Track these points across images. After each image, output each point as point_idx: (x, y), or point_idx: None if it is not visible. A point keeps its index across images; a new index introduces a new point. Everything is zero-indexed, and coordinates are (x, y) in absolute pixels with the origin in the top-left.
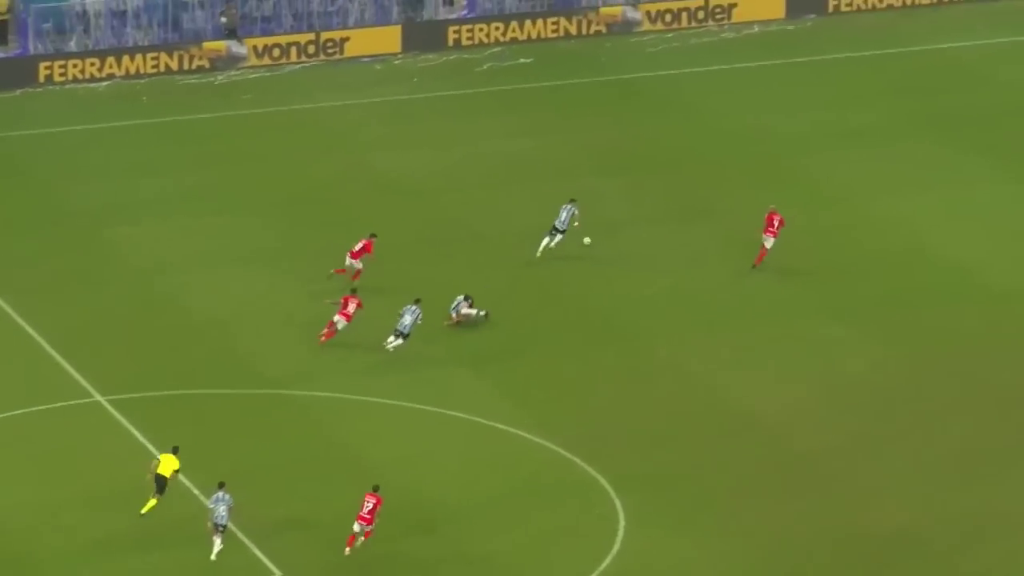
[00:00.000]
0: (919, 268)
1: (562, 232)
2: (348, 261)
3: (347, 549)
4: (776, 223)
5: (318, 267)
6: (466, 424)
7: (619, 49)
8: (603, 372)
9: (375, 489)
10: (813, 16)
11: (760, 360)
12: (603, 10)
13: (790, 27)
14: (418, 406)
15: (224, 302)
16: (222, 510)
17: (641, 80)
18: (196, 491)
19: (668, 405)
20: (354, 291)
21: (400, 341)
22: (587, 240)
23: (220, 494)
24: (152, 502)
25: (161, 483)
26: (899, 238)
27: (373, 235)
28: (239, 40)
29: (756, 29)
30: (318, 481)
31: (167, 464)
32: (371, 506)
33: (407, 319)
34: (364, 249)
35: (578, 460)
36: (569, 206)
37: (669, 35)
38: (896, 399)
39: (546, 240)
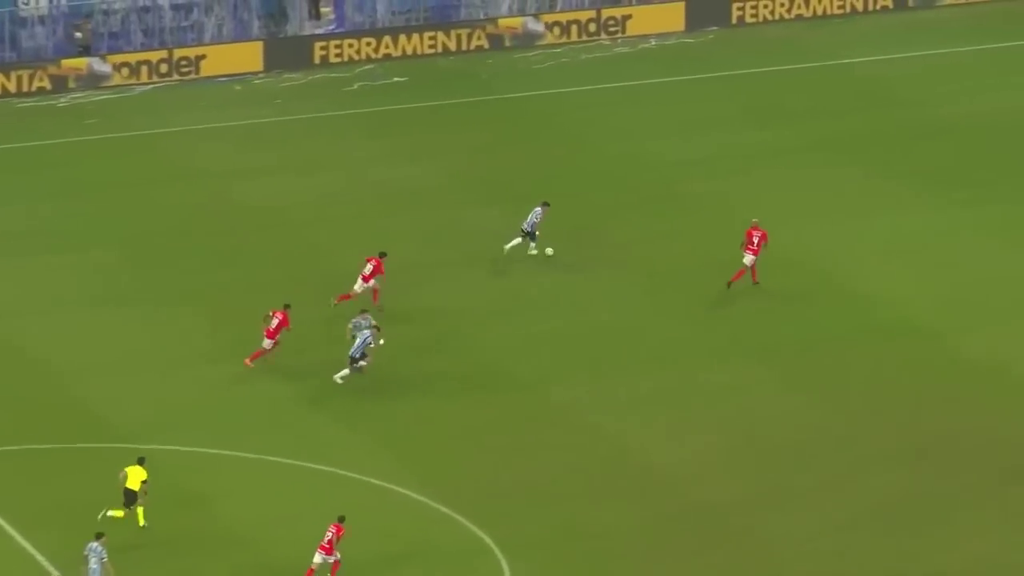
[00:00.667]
0: (830, 304)
1: (527, 235)
2: (360, 285)
3: None
4: (756, 240)
5: (175, 308)
6: (337, 479)
7: (502, 66)
8: (490, 421)
9: (340, 520)
10: (715, 28)
11: (661, 407)
12: (502, 22)
13: (690, 40)
14: (284, 460)
15: (69, 347)
16: (93, 564)
17: (527, 100)
18: (35, 552)
19: (562, 457)
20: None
21: (348, 371)
22: (549, 251)
23: (95, 544)
24: (119, 513)
25: (130, 496)
26: (808, 272)
27: (383, 254)
28: (101, 58)
29: (653, 43)
30: (170, 547)
31: (134, 476)
32: (331, 535)
33: (357, 342)
34: (375, 271)
35: (463, 519)
36: (539, 209)
37: (558, 50)
38: (809, 447)
39: (515, 241)
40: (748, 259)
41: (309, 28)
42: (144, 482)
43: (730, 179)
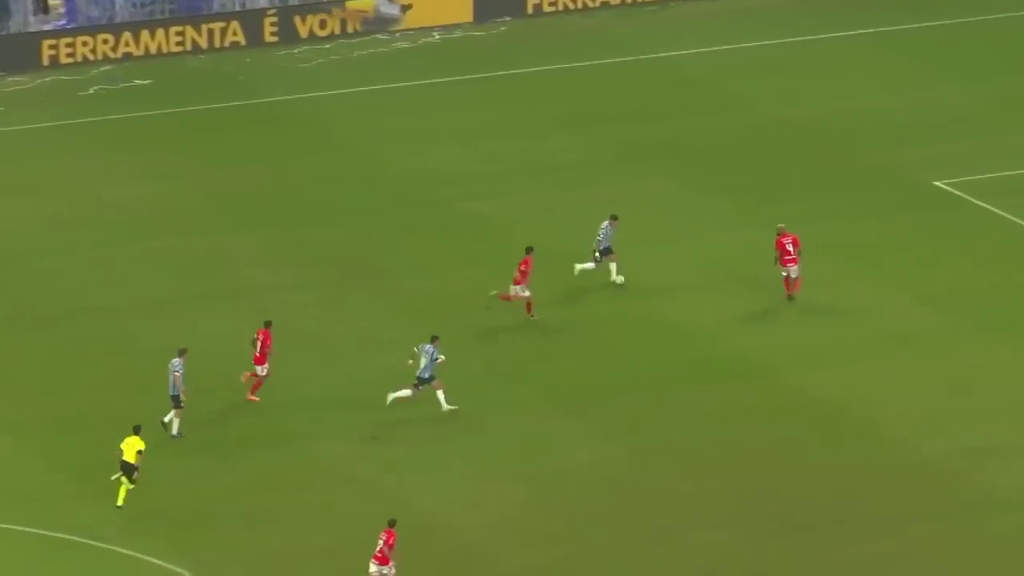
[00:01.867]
0: (642, 338)
1: (600, 254)
2: (514, 291)
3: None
4: (791, 246)
5: None
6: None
7: (263, 65)
8: (257, 482)
9: (391, 524)
10: (508, 19)
11: (449, 459)
12: (350, 4)
13: (479, 33)
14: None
15: None
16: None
17: (291, 104)
18: None
19: (332, 517)
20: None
21: (408, 391)
22: (620, 279)
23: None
24: (123, 490)
25: (128, 468)
26: (613, 302)
27: (529, 249)
28: None
29: (436, 37)
30: None
31: (130, 447)
32: (382, 543)
33: (423, 362)
34: (525, 269)
35: None
36: (607, 224)
37: (327, 46)
38: (627, 503)
39: (587, 265)
40: (794, 271)
41: (36, 24)
42: (140, 452)
43: (522, 195)
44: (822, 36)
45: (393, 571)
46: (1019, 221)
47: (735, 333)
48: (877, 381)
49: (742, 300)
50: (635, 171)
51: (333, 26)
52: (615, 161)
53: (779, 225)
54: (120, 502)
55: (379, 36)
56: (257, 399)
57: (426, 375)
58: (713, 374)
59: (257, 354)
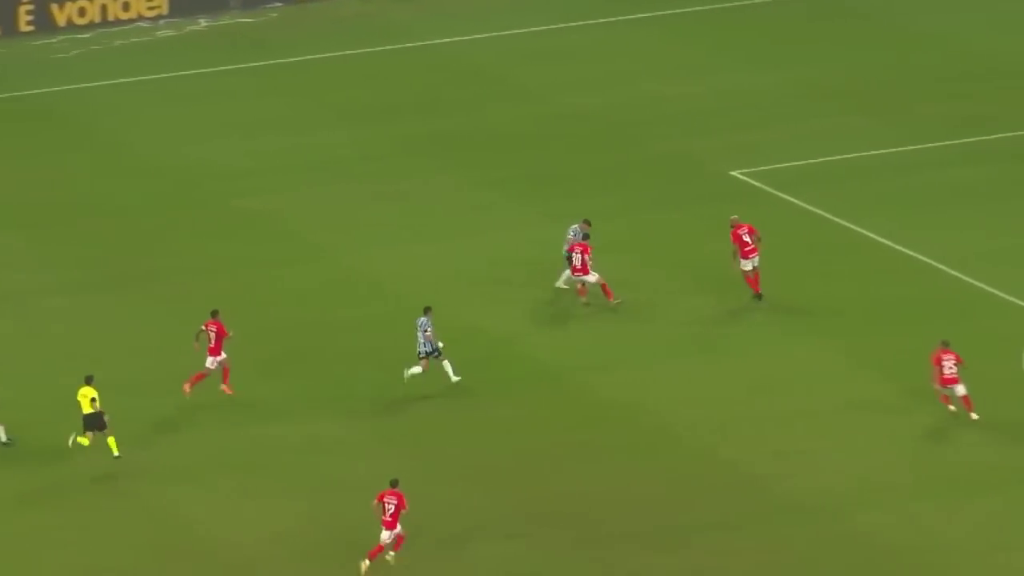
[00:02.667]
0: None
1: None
2: (578, 279)
3: (365, 563)
4: (747, 236)
5: None
6: None
7: (18, 56)
8: (58, 525)
9: (393, 484)
10: (279, 4)
11: (221, 471)
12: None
13: (248, 20)
14: None
15: None
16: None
17: (48, 97)
18: None
19: (93, 535)
20: None
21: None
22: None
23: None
24: (85, 440)
25: (90, 421)
26: (412, 302)
27: (586, 222)
28: None
29: (203, 24)
30: None
31: (85, 397)
32: (392, 507)
33: (418, 336)
34: (584, 253)
35: None
36: (576, 227)
37: (86, 35)
38: (412, 513)
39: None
40: (749, 265)
41: None
42: (94, 399)
43: (298, 191)
44: (609, 20)
45: (401, 531)
46: (819, 212)
47: (525, 335)
48: (674, 384)
49: (533, 300)
50: (419, 165)
51: (93, 14)
52: (397, 155)
53: (732, 217)
54: (116, 451)
55: (142, 24)
56: (189, 391)
57: (428, 348)
58: (503, 378)
59: (212, 345)
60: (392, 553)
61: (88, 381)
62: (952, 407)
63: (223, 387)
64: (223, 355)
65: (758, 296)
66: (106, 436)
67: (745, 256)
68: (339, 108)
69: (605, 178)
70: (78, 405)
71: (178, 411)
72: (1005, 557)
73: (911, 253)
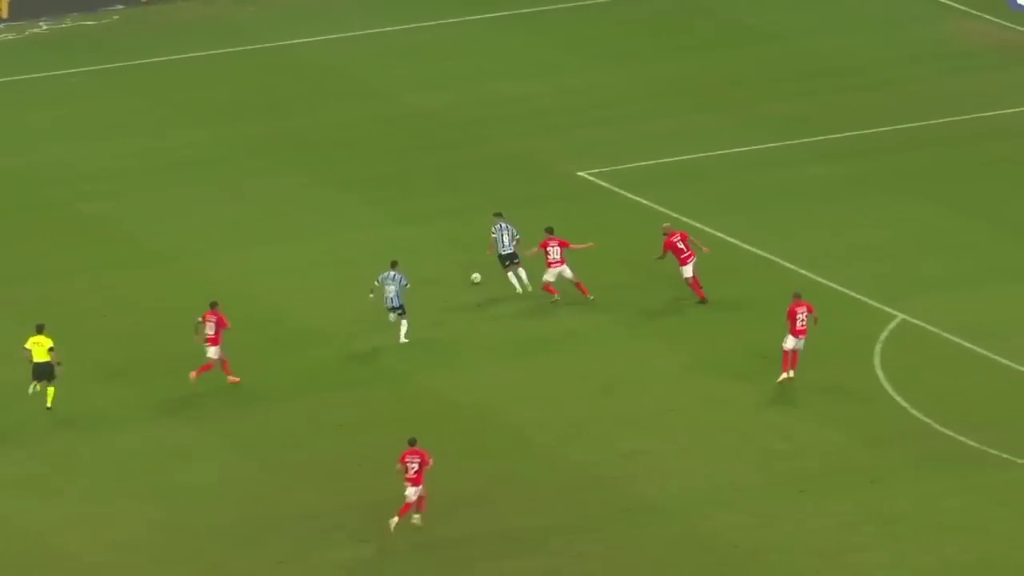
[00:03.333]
0: (280, 342)
1: (511, 258)
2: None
3: (394, 520)
4: (681, 241)
5: None
6: None
7: None
8: None
9: (412, 443)
10: (120, 7)
11: (64, 477)
12: None
13: (90, 22)
14: None
15: None
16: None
17: None
18: None
19: None
20: None
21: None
22: (476, 277)
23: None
24: (51, 391)
25: (40, 370)
26: (255, 305)
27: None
28: None
29: (43, 27)
30: None
31: (39, 347)
32: (416, 465)
33: (391, 289)
34: (561, 246)
35: None
36: (502, 224)
37: None
38: (260, 519)
39: (512, 277)
40: (689, 271)
41: None
42: (51, 349)
43: (143, 194)
44: (453, 20)
45: (424, 491)
46: (667, 212)
47: (368, 335)
48: (520, 385)
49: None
50: (265, 166)
51: None
52: (244, 156)
53: (664, 224)
54: (50, 403)
55: None
56: (237, 379)
57: (398, 303)
58: (346, 380)
59: (211, 336)
60: (418, 515)
61: (39, 330)
62: (790, 374)
63: (229, 379)
64: (220, 347)
65: (703, 301)
66: (48, 386)
67: (684, 263)
68: (183, 110)
69: (452, 177)
70: (29, 353)
71: (18, 419)
72: (856, 558)
73: (759, 252)
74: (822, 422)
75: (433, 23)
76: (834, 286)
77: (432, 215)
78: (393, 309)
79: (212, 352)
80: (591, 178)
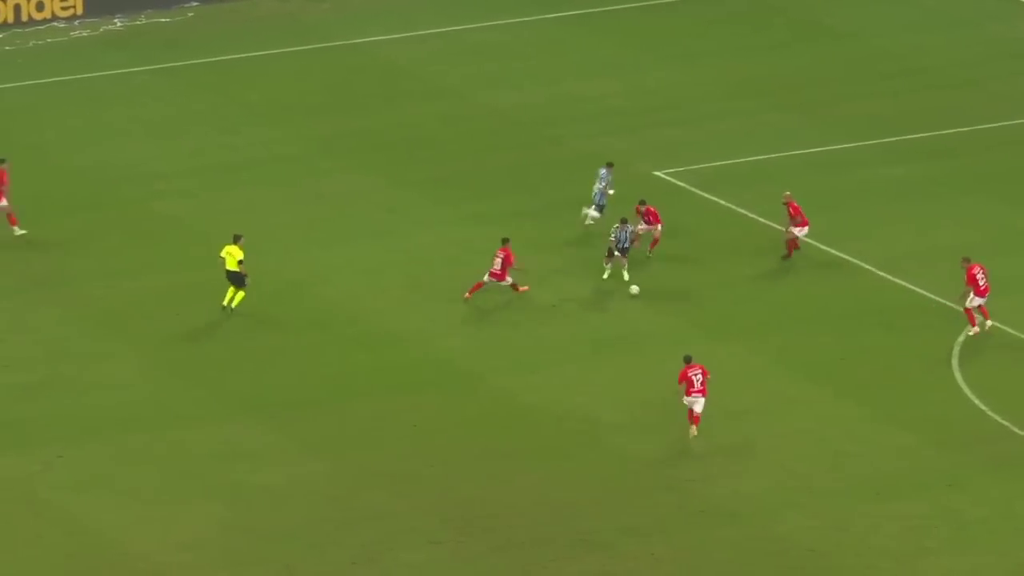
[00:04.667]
0: (354, 344)
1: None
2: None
3: (693, 429)
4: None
5: None
6: None
7: None
8: None
9: (689, 360)
10: (195, 3)
11: (136, 477)
12: None
13: (164, 19)
14: None
15: None
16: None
17: None
18: None
19: (5, 543)
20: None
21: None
22: (635, 289)
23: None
24: (239, 295)
25: (231, 277)
26: (332, 304)
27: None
28: None
29: (118, 24)
30: None
31: (231, 257)
32: (701, 376)
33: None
34: (505, 262)
35: None
36: (604, 171)
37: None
38: (332, 520)
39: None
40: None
41: None
42: (240, 262)
43: (218, 193)
44: (526, 19)
45: (510, 280)
46: (743, 212)
47: (443, 337)
48: (595, 386)
49: (451, 302)
50: (337, 165)
51: (7, 14)
52: (317, 155)
53: (785, 193)
54: (235, 304)
55: (56, 24)
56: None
57: (625, 244)
58: (420, 381)
59: (497, 271)
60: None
61: (236, 240)
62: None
63: (519, 284)
64: (508, 279)
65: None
66: (237, 292)
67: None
68: (257, 108)
69: (525, 178)
70: (221, 261)
71: (89, 419)
72: (930, 562)
73: (836, 253)
74: (898, 424)
75: (504, 22)
76: (912, 287)
77: (504, 215)
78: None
79: (490, 280)
80: (667, 177)
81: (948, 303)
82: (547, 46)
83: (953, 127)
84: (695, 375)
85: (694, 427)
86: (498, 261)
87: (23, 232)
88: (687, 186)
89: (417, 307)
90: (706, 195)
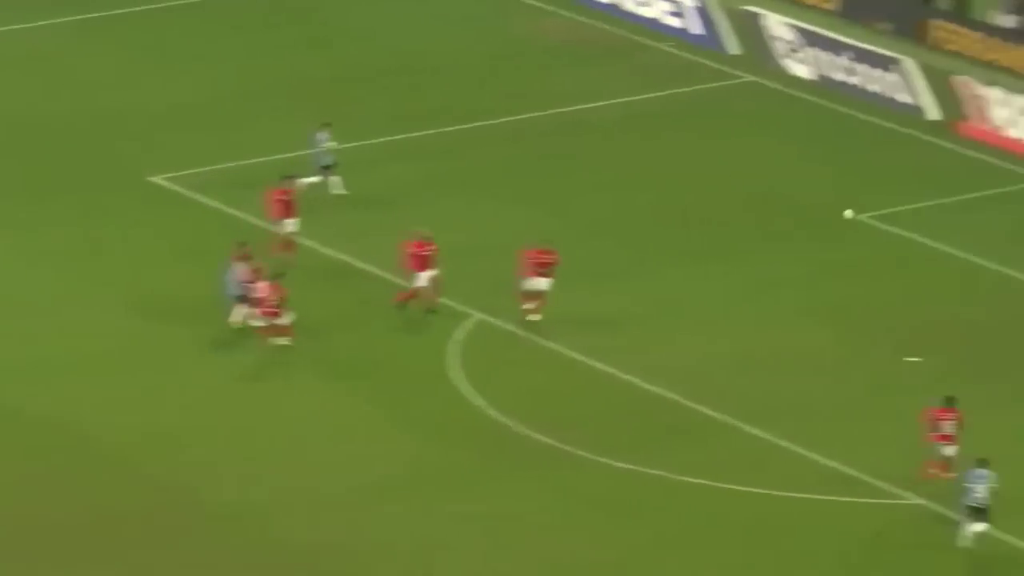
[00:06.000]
0: None
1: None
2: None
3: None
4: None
5: None
6: None
7: None
8: None
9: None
10: None
11: None
12: None
13: None
14: None
15: None
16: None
17: None
18: None
19: None
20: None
21: None
22: (849, 213)
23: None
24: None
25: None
26: None
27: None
28: None
29: None
30: None
31: None
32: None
33: None
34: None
35: None
36: (323, 134)
37: None
38: None
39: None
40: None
41: None
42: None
43: None
44: (27, 25)
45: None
46: (237, 214)
47: None
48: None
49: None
50: None
51: None
52: None
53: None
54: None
55: None
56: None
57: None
58: None
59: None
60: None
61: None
62: None
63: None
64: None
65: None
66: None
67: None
68: None
69: (20, 186)
70: None
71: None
72: (438, 559)
73: (347, 259)
74: (399, 426)
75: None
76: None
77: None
78: None
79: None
80: (163, 183)
81: (450, 303)
82: (30, 54)
83: (457, 124)
84: None
85: None
86: None
87: None
88: (182, 190)
89: None
90: (198, 197)
